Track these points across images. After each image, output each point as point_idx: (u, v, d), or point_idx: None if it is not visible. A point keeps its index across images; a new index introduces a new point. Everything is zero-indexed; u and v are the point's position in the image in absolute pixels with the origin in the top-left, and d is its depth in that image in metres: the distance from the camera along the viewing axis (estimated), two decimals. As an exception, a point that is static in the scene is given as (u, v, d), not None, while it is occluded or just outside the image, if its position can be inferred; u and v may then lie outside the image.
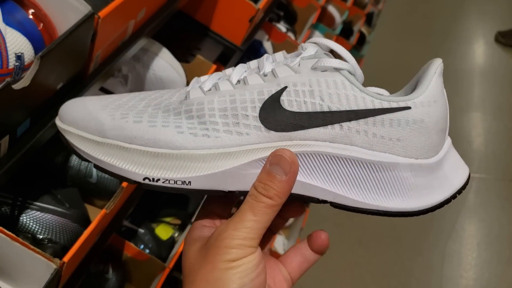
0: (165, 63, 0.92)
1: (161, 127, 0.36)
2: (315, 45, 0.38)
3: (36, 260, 0.62)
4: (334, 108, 0.36)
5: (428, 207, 0.38)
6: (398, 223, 1.97)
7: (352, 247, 1.87)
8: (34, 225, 0.68)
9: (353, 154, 0.36)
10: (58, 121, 0.39)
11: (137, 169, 0.36)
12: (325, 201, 0.38)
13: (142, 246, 0.99)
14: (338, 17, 2.01)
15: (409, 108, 0.36)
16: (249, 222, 0.35)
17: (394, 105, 0.36)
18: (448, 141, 0.39)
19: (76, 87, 0.65)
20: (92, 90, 0.68)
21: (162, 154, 0.36)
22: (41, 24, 0.61)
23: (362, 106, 0.36)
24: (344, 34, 2.16)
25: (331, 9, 2.00)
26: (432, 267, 1.84)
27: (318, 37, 0.38)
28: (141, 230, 1.01)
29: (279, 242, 1.70)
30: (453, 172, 0.39)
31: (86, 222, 0.75)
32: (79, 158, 0.39)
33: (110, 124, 0.37)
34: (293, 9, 1.68)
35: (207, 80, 0.38)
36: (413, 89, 0.39)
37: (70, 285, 0.74)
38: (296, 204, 0.42)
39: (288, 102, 0.36)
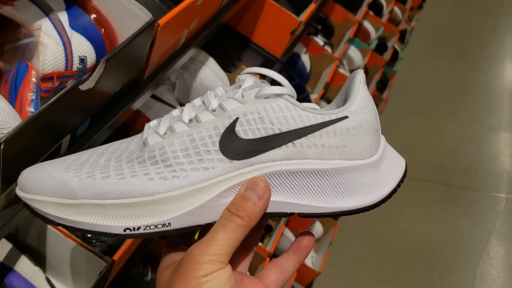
0: (211, 72, 0.94)
1: (130, 177, 0.38)
2: (251, 76, 0.42)
3: (87, 257, 0.64)
4: (284, 130, 0.39)
5: (380, 199, 0.42)
6: (428, 241, 1.95)
7: (381, 263, 1.86)
8: (85, 224, 0.70)
9: (308, 166, 0.40)
10: (20, 192, 0.39)
11: (116, 222, 0.37)
12: (292, 213, 0.41)
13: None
14: (373, 33, 2.02)
15: (346, 117, 0.40)
16: (219, 240, 0.37)
17: (334, 117, 0.40)
18: (383, 138, 0.43)
19: (132, 91, 0.67)
20: (146, 95, 0.70)
21: (138, 203, 0.37)
22: (103, 29, 0.63)
23: (307, 123, 0.40)
24: (379, 50, 2.16)
25: (367, 24, 2.01)
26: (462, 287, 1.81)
27: (254, 68, 0.43)
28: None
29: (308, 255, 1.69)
30: (393, 164, 0.43)
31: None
32: (50, 224, 0.39)
33: (78, 185, 0.38)
34: (331, 23, 1.69)
35: (160, 125, 0.41)
36: (344, 100, 0.43)
37: (114, 285, 0.75)
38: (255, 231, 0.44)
39: (243, 131, 0.39)
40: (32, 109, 0.52)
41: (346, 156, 0.40)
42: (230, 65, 1.11)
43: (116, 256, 0.65)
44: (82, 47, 0.59)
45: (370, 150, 0.42)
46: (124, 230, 0.38)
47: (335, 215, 0.42)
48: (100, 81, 0.54)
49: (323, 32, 1.64)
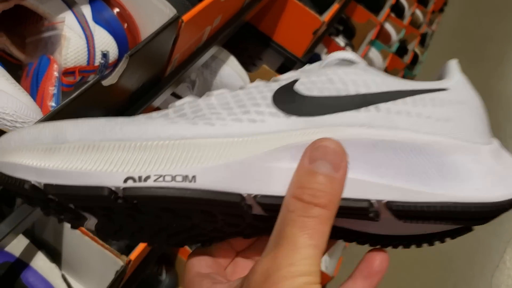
0: (232, 71, 0.92)
1: (145, 119, 0.27)
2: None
3: (104, 256, 0.63)
4: (362, 91, 0.29)
5: (508, 199, 0.29)
6: (444, 248, 1.92)
7: (394, 269, 1.83)
8: (102, 222, 0.69)
9: (401, 138, 0.28)
10: None
11: (115, 168, 0.25)
12: (377, 215, 0.28)
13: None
14: (394, 35, 1.99)
15: (445, 89, 0.31)
16: (306, 250, 0.24)
17: (428, 86, 0.30)
18: (497, 140, 0.33)
19: (153, 88, 0.66)
20: (167, 92, 0.69)
21: (152, 146, 0.26)
22: (126, 24, 0.62)
23: (394, 88, 0.29)
24: (399, 53, 2.13)
25: (388, 26, 1.98)
26: (478, 297, 1.78)
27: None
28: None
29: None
30: None
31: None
32: (20, 195, 0.27)
33: (72, 126, 0.26)
34: (352, 24, 1.67)
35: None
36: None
37: (129, 284, 0.74)
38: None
39: (306, 89, 0.29)
40: (53, 103, 0.51)
41: (452, 133, 0.29)
42: (249, 64, 1.10)
43: (132, 256, 0.64)
44: (105, 41, 0.58)
45: (481, 135, 0.30)
46: (125, 181, 0.25)
47: (448, 214, 0.28)
48: (122, 76, 0.53)
49: (345, 33, 1.62)
